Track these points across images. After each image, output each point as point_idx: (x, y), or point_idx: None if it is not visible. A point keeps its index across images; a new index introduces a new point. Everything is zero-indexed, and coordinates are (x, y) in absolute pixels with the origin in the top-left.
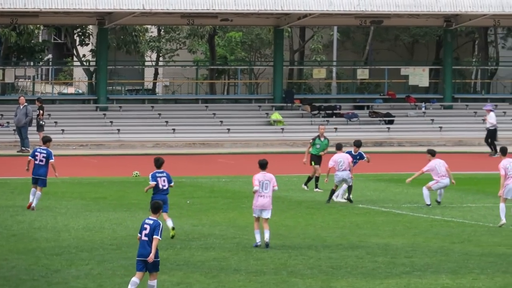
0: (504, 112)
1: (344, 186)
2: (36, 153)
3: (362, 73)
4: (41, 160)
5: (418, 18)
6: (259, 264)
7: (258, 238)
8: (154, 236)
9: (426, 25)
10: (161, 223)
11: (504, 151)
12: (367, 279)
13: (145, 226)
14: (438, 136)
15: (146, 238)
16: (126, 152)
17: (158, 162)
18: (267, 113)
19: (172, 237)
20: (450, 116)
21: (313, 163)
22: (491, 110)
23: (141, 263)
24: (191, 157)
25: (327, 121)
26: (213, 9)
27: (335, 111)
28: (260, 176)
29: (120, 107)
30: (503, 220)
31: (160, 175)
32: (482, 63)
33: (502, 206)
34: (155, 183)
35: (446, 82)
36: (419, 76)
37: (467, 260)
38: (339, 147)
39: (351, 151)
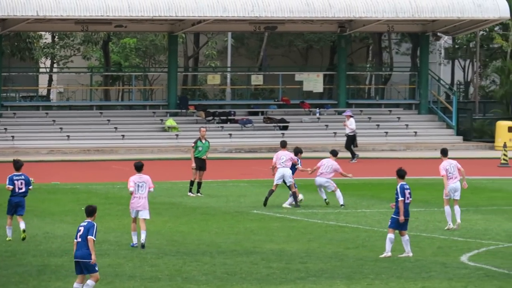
0: (398, 118)
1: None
2: None
3: (257, 79)
4: None
5: (312, 23)
6: (154, 270)
7: (134, 240)
8: (88, 237)
9: (320, 31)
10: (95, 224)
11: (444, 152)
12: (262, 285)
13: (80, 228)
14: (332, 141)
15: (80, 239)
16: (21, 158)
17: (17, 165)
18: (161, 119)
19: (23, 239)
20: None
21: (193, 166)
22: (350, 116)
23: (77, 266)
24: (85, 163)
25: (222, 127)
26: (107, 16)
27: (229, 117)
28: (135, 178)
29: (15, 113)
30: (450, 224)
31: (17, 178)
32: (376, 69)
33: (447, 209)
34: (11, 187)
35: (340, 87)
36: (313, 81)
37: (361, 266)
38: (283, 144)
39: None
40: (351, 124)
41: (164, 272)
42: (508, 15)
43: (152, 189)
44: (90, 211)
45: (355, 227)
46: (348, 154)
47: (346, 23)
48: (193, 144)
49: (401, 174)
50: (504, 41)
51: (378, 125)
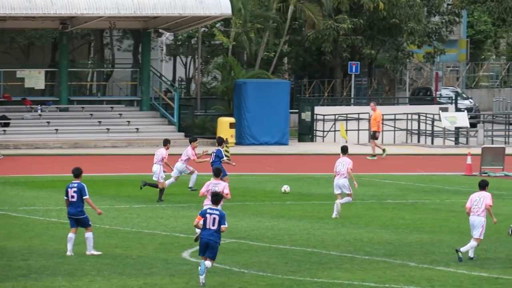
0: (120, 114)
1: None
2: None
3: None
4: None
5: (34, 20)
6: None
7: None
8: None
9: (43, 28)
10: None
11: (344, 150)
12: None
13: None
14: (54, 138)
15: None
16: None
17: None
18: None
19: None
20: (66, 119)
21: None
22: None
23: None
24: None
25: None
26: None
27: None
28: None
29: None
30: (335, 214)
31: None
32: (98, 65)
33: (336, 201)
34: None
35: (62, 84)
36: (35, 78)
37: (83, 262)
38: (164, 142)
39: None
40: None
41: None
42: (229, 11)
43: None
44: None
45: None
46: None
47: (68, 19)
48: None
49: (75, 173)
50: (225, 38)
51: (99, 122)
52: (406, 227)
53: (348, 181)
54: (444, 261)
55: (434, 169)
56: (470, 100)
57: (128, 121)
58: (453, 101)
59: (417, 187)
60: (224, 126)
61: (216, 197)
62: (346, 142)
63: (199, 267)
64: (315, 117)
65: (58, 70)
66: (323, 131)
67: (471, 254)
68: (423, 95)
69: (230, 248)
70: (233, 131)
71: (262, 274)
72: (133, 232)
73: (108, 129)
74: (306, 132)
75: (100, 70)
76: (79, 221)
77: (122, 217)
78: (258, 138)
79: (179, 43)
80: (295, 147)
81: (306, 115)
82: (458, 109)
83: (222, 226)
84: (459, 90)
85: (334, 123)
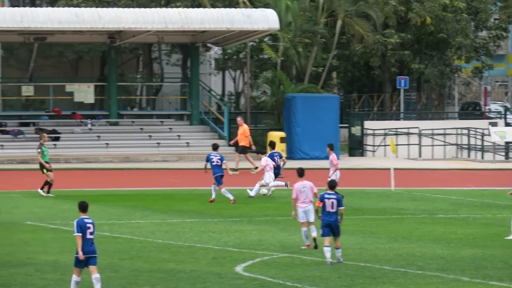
0: (170, 128)
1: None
2: None
3: (27, 90)
4: None
5: (82, 34)
6: None
7: None
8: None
9: (90, 42)
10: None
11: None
12: None
13: (89, 225)
14: (104, 152)
15: (91, 236)
16: None
17: None
18: None
19: None
20: (116, 133)
21: None
22: None
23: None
24: None
25: None
26: None
27: (0, 128)
28: None
29: None
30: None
31: None
32: (147, 80)
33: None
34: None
35: (111, 98)
36: (84, 92)
37: (136, 277)
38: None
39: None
40: None
41: None
42: (277, 26)
43: None
44: (85, 207)
45: (129, 238)
46: None
47: (116, 33)
48: None
49: None
50: (273, 52)
51: (150, 136)
52: (458, 242)
53: None
54: (496, 276)
55: (484, 183)
56: None
57: (179, 135)
58: (502, 115)
59: (468, 202)
60: (275, 140)
61: (332, 183)
62: (397, 156)
63: None
64: (365, 132)
65: (107, 84)
66: (373, 145)
67: None
68: (472, 110)
69: (283, 263)
70: (284, 145)
71: None
72: (186, 246)
73: (158, 143)
74: (356, 147)
75: (149, 84)
76: None
77: (174, 231)
78: (308, 153)
79: (227, 57)
80: (346, 161)
81: (356, 130)
82: (507, 124)
83: None
84: (508, 104)
85: (384, 138)
